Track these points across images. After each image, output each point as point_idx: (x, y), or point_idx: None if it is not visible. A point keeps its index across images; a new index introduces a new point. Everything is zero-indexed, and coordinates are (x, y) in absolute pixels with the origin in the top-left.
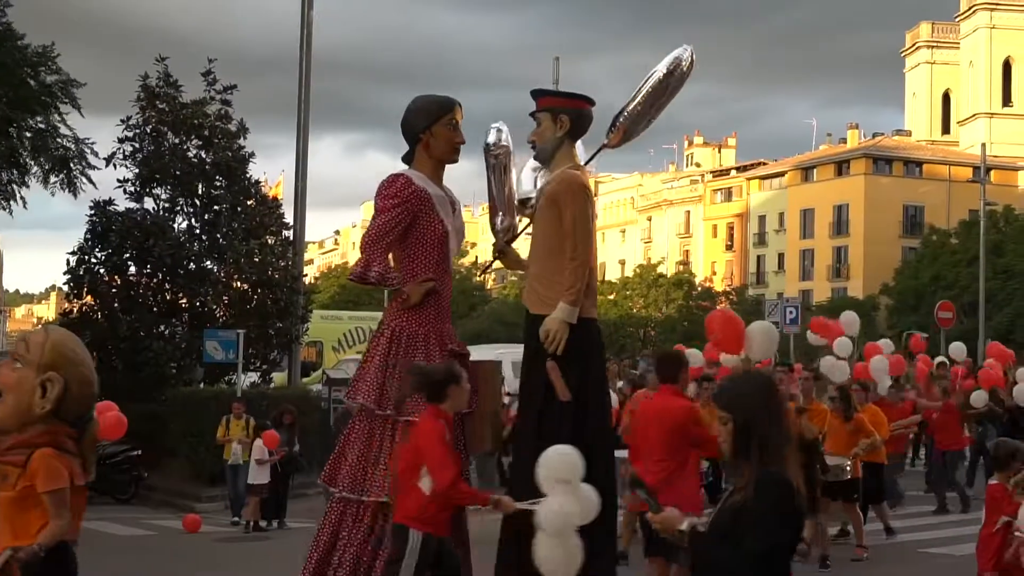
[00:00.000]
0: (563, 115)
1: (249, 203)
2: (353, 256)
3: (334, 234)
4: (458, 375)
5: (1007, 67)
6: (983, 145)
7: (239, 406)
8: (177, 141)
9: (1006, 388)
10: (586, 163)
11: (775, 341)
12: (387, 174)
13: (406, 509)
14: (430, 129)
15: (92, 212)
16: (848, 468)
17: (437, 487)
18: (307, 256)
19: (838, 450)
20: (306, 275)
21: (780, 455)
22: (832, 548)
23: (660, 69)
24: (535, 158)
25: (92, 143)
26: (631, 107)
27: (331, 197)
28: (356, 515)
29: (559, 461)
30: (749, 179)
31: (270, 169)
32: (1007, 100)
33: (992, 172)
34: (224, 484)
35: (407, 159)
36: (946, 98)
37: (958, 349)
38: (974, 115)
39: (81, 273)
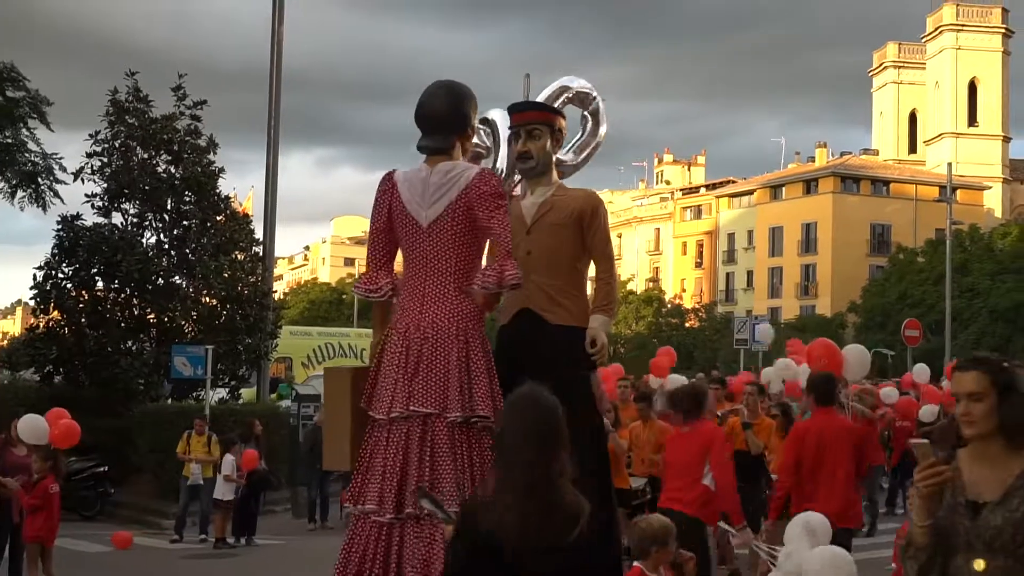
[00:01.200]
0: (559, 132)
1: (219, 219)
2: (323, 272)
3: (304, 250)
4: None
5: (972, 88)
6: (949, 165)
7: (201, 423)
8: (146, 156)
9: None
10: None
11: (867, 364)
12: (478, 169)
13: (691, 500)
14: (473, 121)
15: (60, 227)
16: None
17: (721, 484)
18: (276, 272)
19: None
20: (275, 291)
21: (515, 485)
22: None
23: (603, 131)
24: (530, 171)
25: (60, 158)
26: (578, 159)
27: (301, 212)
28: None
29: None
30: (718, 197)
31: (240, 185)
32: (972, 120)
33: (958, 191)
34: (194, 500)
35: (440, 150)
36: (912, 118)
37: (922, 370)
38: (940, 135)
39: (48, 288)
